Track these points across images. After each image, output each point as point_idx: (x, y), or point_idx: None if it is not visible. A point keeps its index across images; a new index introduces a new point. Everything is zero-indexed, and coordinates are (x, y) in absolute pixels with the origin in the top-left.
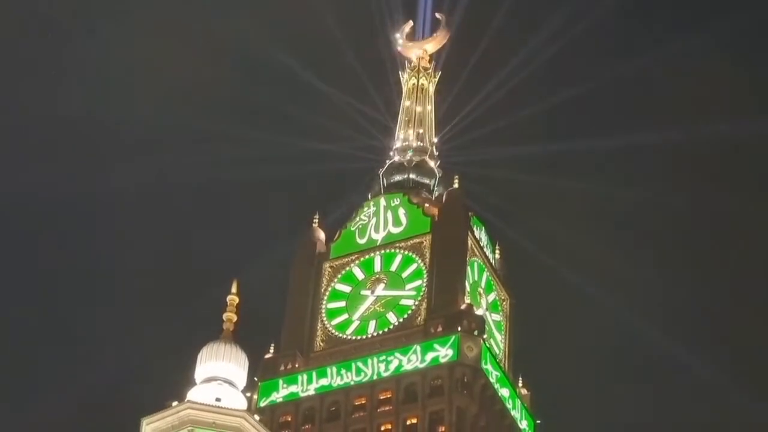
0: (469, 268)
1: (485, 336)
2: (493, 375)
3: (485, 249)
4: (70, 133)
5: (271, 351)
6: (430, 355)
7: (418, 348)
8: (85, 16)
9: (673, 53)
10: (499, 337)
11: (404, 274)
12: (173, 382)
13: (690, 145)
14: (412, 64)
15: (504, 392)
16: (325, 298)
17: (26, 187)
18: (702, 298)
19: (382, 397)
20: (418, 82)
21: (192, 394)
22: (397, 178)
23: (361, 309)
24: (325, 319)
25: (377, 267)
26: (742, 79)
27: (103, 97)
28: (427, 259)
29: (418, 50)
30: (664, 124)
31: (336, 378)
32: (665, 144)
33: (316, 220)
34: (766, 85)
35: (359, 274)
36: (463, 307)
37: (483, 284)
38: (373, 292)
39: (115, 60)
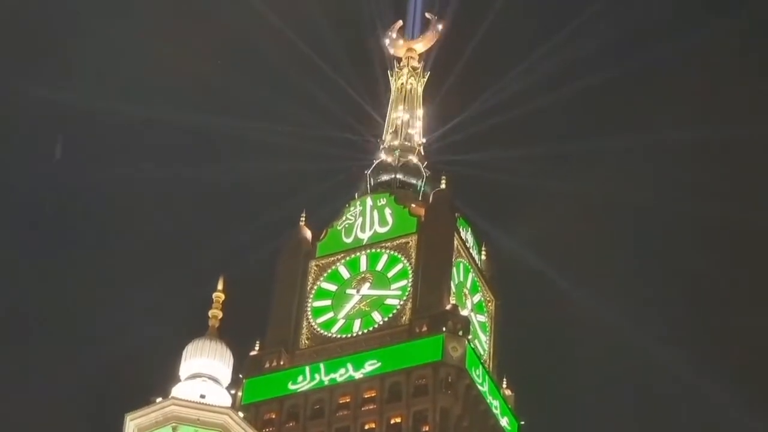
0: (454, 268)
1: (470, 337)
2: (478, 375)
3: (471, 250)
4: (64, 126)
5: (256, 348)
6: (414, 355)
7: (403, 347)
8: (85, 11)
9: (669, 54)
10: (483, 338)
11: (390, 274)
12: (158, 378)
13: (687, 146)
14: (401, 64)
15: (488, 393)
16: (311, 296)
17: (21, 180)
18: (692, 301)
19: (366, 396)
20: (406, 81)
21: (176, 391)
22: (384, 177)
23: (347, 308)
24: (310, 317)
25: (363, 266)
26: (739, 79)
27: (90, 92)
28: (413, 259)
29: (406, 50)
30: (659, 125)
31: (320, 376)
32: (661, 144)
33: (303, 219)
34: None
35: (345, 273)
36: (448, 307)
37: (468, 285)
38: (358, 291)
39: (101, 56)
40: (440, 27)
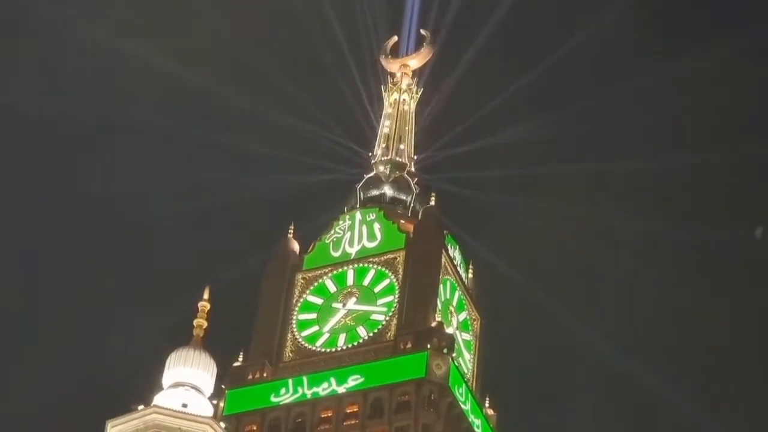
0: (441, 286)
1: (454, 355)
2: (461, 394)
3: (459, 268)
4: (55, 130)
5: (240, 359)
6: (398, 371)
7: (387, 363)
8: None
9: (659, 78)
10: (468, 356)
11: (376, 289)
12: (140, 385)
13: (678, 171)
14: (395, 80)
15: (470, 411)
16: (297, 309)
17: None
18: (681, 325)
19: (348, 411)
20: (399, 97)
21: (158, 399)
22: (374, 192)
23: (332, 322)
24: (295, 330)
25: (350, 281)
26: (720, 106)
27: (83, 98)
28: (400, 275)
29: (400, 65)
30: (651, 148)
31: (303, 389)
32: (653, 169)
33: (291, 231)
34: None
35: (331, 287)
36: (433, 324)
37: (455, 303)
38: (344, 306)
39: (97, 60)
40: (435, 44)
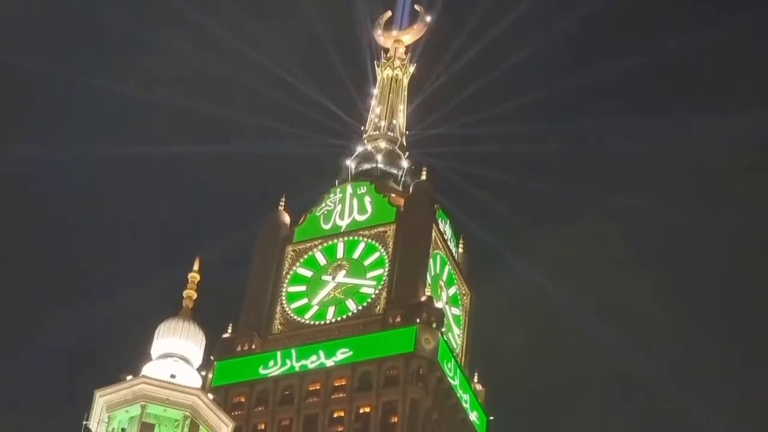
0: (431, 260)
1: (443, 329)
2: (449, 369)
3: (449, 242)
4: (43, 103)
5: (229, 331)
6: (387, 345)
7: (376, 337)
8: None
9: (655, 59)
10: (457, 331)
11: (366, 263)
12: (129, 356)
13: (675, 153)
14: (388, 55)
15: (459, 387)
16: (287, 281)
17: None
18: (661, 304)
19: (336, 384)
20: (392, 72)
21: (147, 369)
22: (366, 166)
23: (321, 294)
24: (284, 302)
25: (340, 253)
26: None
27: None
28: (390, 249)
29: (394, 41)
30: (646, 130)
31: (292, 362)
32: (645, 151)
33: (283, 203)
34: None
35: (321, 260)
36: (423, 299)
37: (444, 277)
38: (334, 278)
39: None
40: (428, 19)
